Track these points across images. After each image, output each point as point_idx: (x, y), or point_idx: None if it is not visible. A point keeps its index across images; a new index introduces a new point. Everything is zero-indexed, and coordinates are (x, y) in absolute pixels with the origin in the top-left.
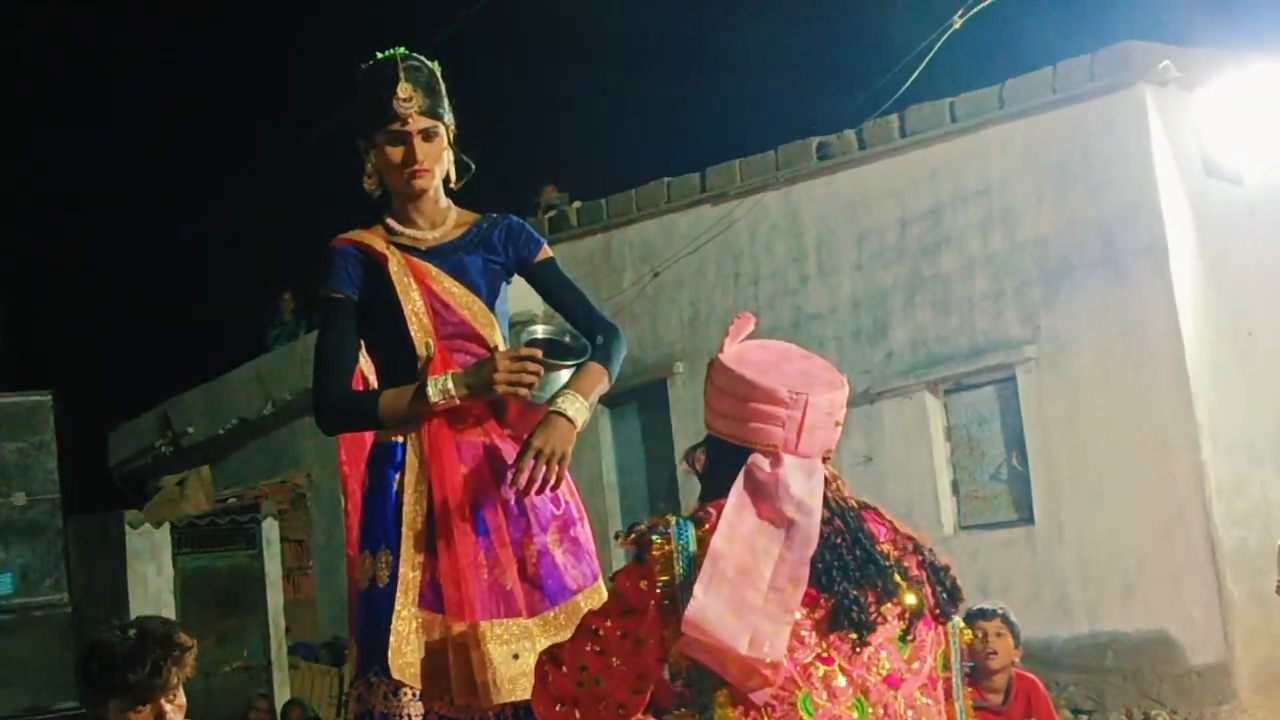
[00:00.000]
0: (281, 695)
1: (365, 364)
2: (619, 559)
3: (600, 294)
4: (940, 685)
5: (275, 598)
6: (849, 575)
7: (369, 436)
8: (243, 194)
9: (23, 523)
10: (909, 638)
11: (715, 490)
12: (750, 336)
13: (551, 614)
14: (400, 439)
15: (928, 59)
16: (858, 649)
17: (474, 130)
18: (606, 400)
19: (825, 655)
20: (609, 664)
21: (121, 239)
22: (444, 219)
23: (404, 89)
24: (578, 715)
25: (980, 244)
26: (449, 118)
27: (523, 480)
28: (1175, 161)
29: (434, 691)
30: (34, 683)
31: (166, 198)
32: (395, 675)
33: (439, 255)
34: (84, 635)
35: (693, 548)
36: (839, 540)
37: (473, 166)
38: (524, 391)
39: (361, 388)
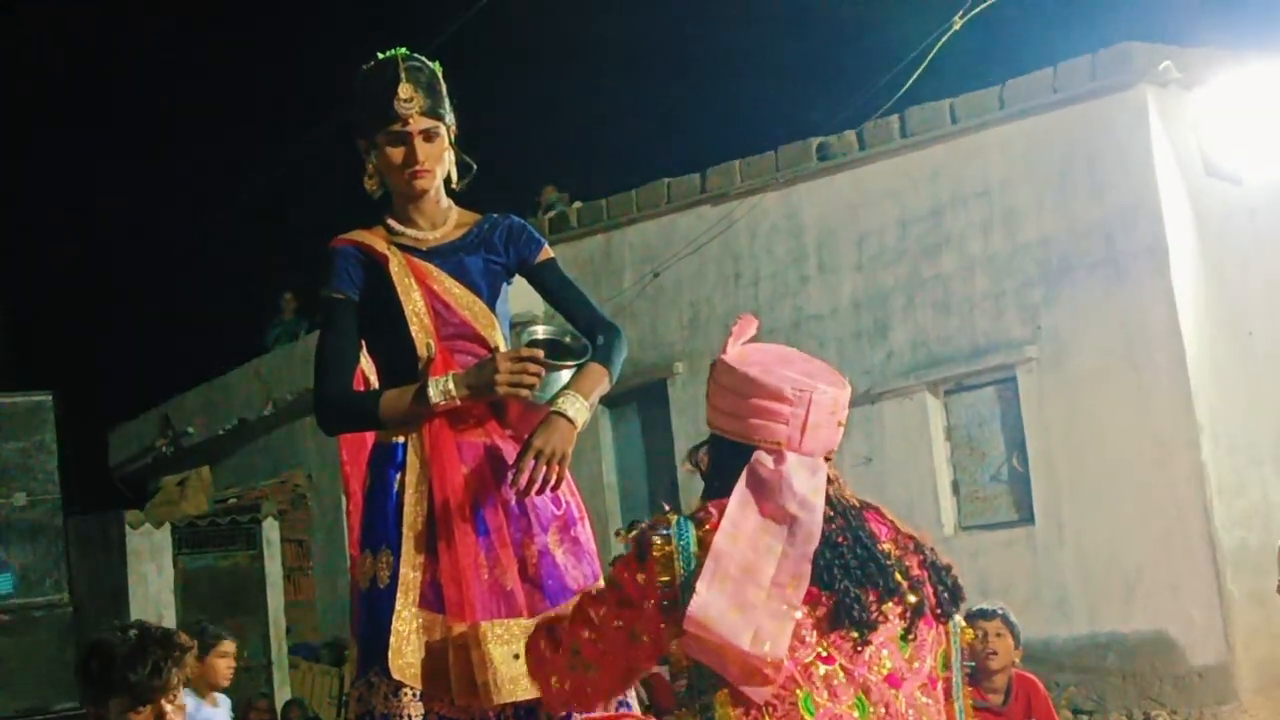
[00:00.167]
0: (282, 695)
1: (366, 364)
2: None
3: (600, 294)
4: (940, 685)
5: (275, 598)
6: (850, 574)
7: (370, 437)
8: (243, 194)
9: (23, 523)
10: (910, 637)
11: (719, 488)
12: (750, 338)
13: (552, 614)
14: (401, 439)
15: (928, 60)
16: (859, 648)
17: (474, 131)
18: (607, 400)
19: (826, 654)
20: (601, 653)
21: (122, 239)
22: (445, 219)
23: (405, 89)
24: (567, 687)
25: (981, 244)
26: (450, 118)
27: (523, 480)
28: (1176, 162)
29: (434, 692)
30: (34, 682)
31: (167, 198)
32: (395, 675)
33: (440, 256)
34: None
35: (694, 548)
36: (840, 538)
37: (474, 167)
38: (525, 392)
39: (362, 388)
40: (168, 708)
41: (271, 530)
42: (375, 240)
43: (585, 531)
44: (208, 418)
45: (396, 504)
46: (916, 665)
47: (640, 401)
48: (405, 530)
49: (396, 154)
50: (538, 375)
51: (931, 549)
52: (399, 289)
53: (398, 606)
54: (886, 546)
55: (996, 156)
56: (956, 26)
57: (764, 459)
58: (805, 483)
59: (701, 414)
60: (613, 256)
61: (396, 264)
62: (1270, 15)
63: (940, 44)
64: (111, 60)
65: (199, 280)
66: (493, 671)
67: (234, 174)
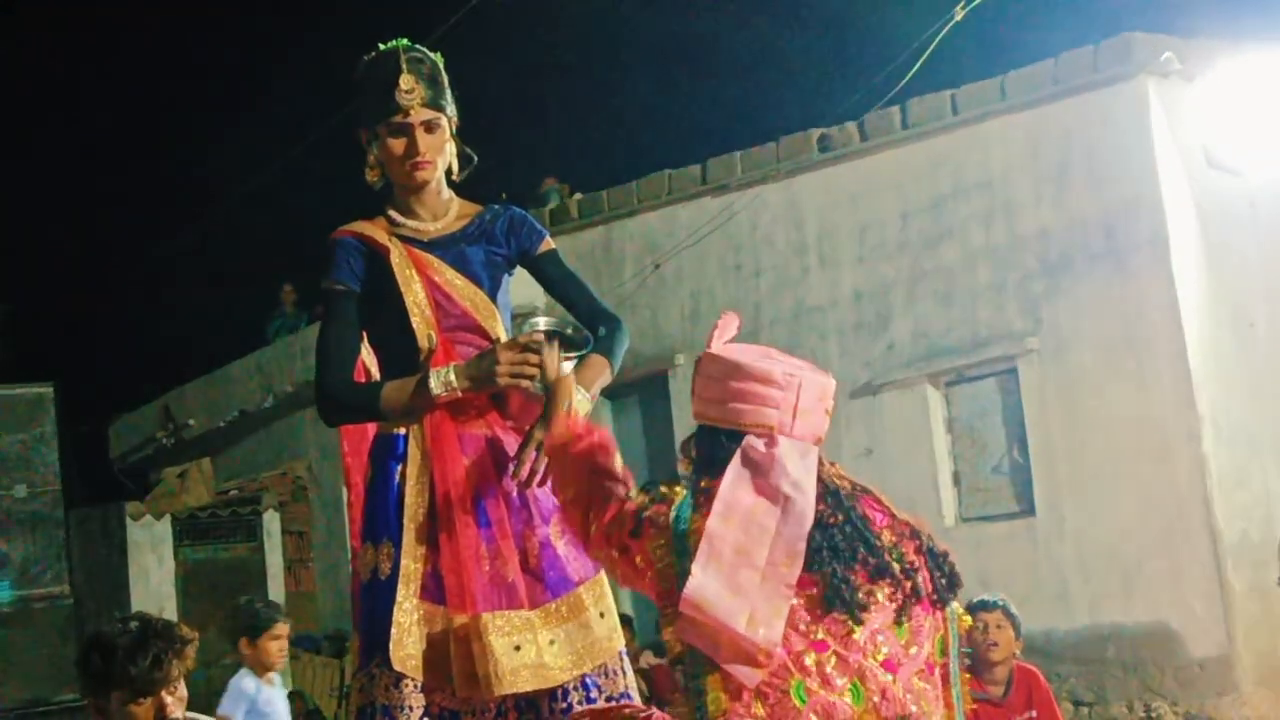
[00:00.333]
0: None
1: (368, 356)
2: None
3: (601, 286)
4: (938, 670)
5: (276, 590)
6: (839, 555)
7: (371, 429)
8: (244, 186)
9: (24, 515)
10: (903, 620)
11: (710, 475)
12: (751, 327)
13: (553, 605)
14: (402, 431)
15: (929, 51)
16: (851, 632)
17: (475, 122)
18: (607, 392)
19: (819, 641)
20: (612, 567)
21: (122, 231)
22: (446, 211)
23: (406, 81)
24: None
25: (982, 236)
26: (451, 109)
27: (524, 472)
28: (1177, 153)
29: (435, 683)
30: (35, 675)
31: (168, 190)
32: (397, 667)
33: (441, 247)
34: (85, 627)
35: (686, 531)
36: (831, 519)
37: (475, 158)
38: (526, 383)
39: (364, 380)
40: (168, 699)
41: (272, 522)
42: (376, 232)
43: None
44: (208, 410)
45: (398, 496)
46: (914, 651)
47: (641, 393)
48: (406, 522)
49: (398, 145)
50: (539, 366)
51: (928, 535)
52: (400, 280)
53: (399, 598)
54: (883, 533)
55: (998, 148)
56: (958, 17)
57: (756, 443)
58: (797, 465)
59: None
60: (613, 248)
61: (398, 255)
62: (1272, 6)
63: (941, 35)
64: (111, 55)
65: (199, 272)
66: (494, 663)
67: (235, 167)
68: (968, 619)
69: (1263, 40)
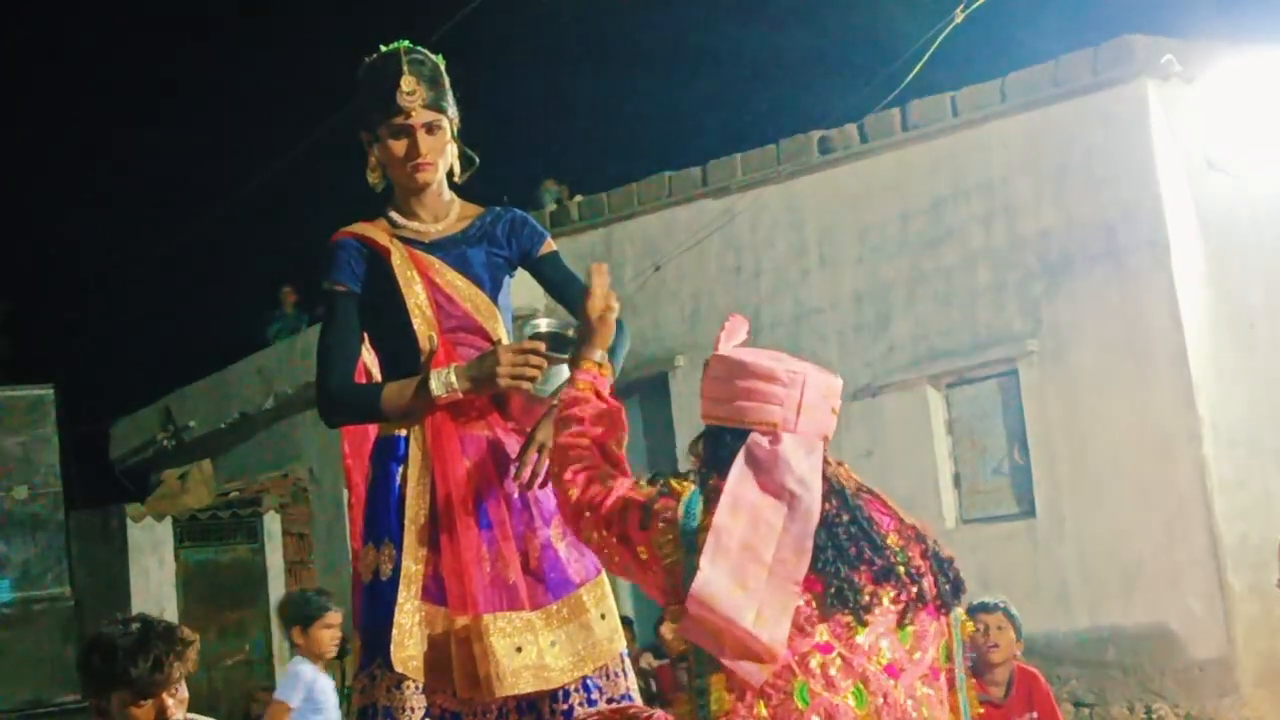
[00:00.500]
0: None
1: (369, 357)
2: None
3: None
4: (943, 676)
5: (277, 591)
6: (844, 555)
7: (372, 430)
8: (244, 188)
9: (24, 516)
10: (907, 623)
11: (718, 476)
12: (751, 329)
13: (554, 607)
14: (403, 432)
15: (930, 52)
16: (855, 634)
17: (475, 124)
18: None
19: (824, 643)
20: (610, 558)
21: (123, 233)
22: (447, 212)
23: (408, 82)
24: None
25: (982, 238)
26: (452, 111)
27: (526, 474)
28: (1177, 155)
29: (437, 684)
30: (36, 676)
31: (168, 191)
32: (398, 668)
33: (442, 248)
34: (85, 629)
35: (696, 527)
36: (835, 519)
37: (476, 160)
38: (527, 385)
39: (365, 381)
40: (169, 701)
41: (273, 524)
42: (377, 233)
43: None
44: (209, 411)
45: (399, 497)
46: (917, 656)
47: (641, 395)
48: (408, 523)
49: (399, 147)
50: (540, 368)
51: (935, 540)
52: (401, 282)
53: (400, 599)
54: (890, 536)
55: (998, 150)
56: (958, 19)
57: (760, 440)
58: (802, 461)
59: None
60: (613, 250)
61: (398, 257)
62: (1272, 8)
63: (942, 37)
64: (111, 52)
65: (199, 274)
66: (495, 664)
67: (236, 167)
68: (971, 625)
69: (1263, 42)
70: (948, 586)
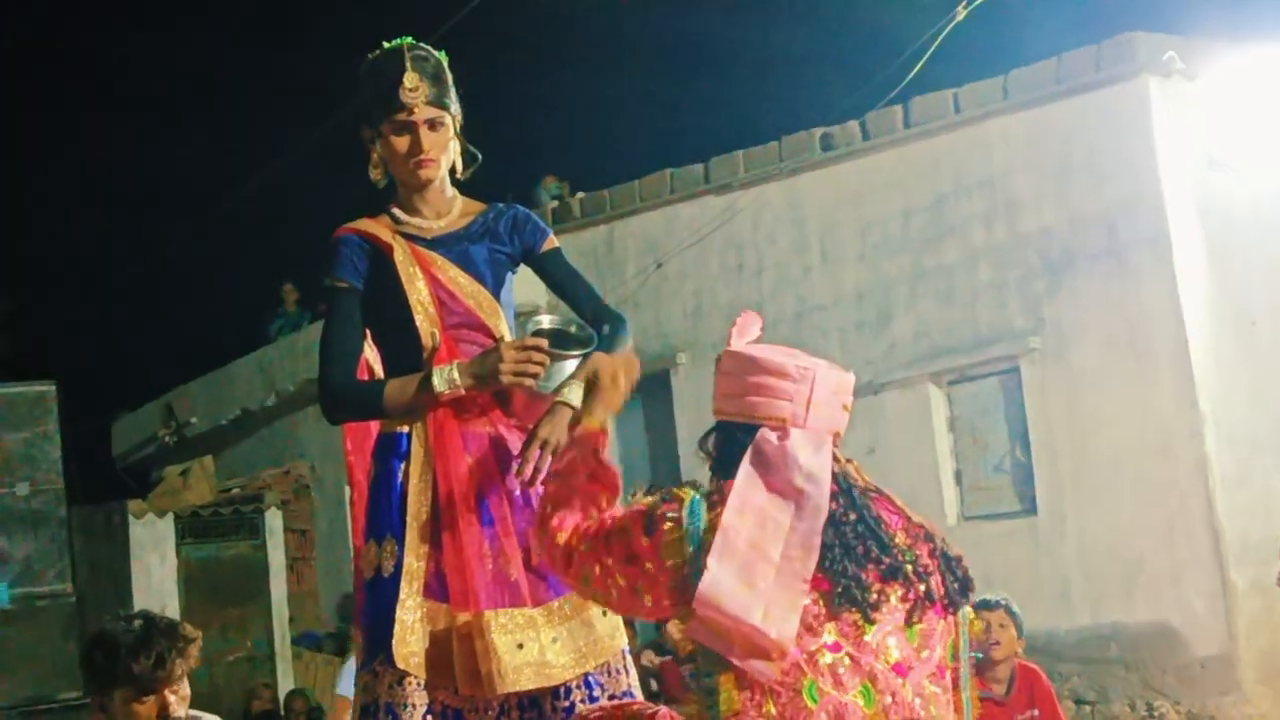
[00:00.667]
0: (285, 685)
1: (371, 353)
2: None
3: (603, 285)
4: (950, 674)
5: (279, 588)
6: (851, 553)
7: (375, 426)
8: (246, 185)
9: (26, 513)
10: (914, 622)
11: (728, 472)
12: (756, 338)
13: (556, 604)
14: (406, 429)
15: (932, 50)
16: (863, 633)
17: (478, 121)
18: None
19: (833, 642)
20: (606, 590)
21: (125, 230)
22: (450, 209)
23: (410, 78)
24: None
25: (984, 235)
26: (455, 108)
27: (528, 471)
28: (1179, 152)
29: (438, 681)
30: (38, 672)
31: (170, 188)
32: (400, 665)
33: (444, 245)
34: (87, 625)
35: (702, 530)
36: (843, 517)
37: (479, 157)
38: (529, 381)
39: (367, 377)
40: (171, 698)
41: (274, 520)
42: (380, 229)
43: None
44: (211, 408)
45: (401, 493)
46: (925, 655)
47: (643, 392)
48: (410, 520)
49: (401, 143)
50: (542, 364)
51: (942, 539)
52: (403, 278)
53: (402, 596)
54: (897, 535)
55: (1000, 147)
56: (960, 16)
57: (768, 435)
58: (810, 458)
59: (705, 404)
60: (615, 247)
61: (401, 253)
62: (1273, 5)
63: (944, 34)
64: (113, 52)
65: (201, 271)
66: (496, 661)
67: (237, 164)
68: (979, 623)
69: (1265, 39)
70: (956, 585)
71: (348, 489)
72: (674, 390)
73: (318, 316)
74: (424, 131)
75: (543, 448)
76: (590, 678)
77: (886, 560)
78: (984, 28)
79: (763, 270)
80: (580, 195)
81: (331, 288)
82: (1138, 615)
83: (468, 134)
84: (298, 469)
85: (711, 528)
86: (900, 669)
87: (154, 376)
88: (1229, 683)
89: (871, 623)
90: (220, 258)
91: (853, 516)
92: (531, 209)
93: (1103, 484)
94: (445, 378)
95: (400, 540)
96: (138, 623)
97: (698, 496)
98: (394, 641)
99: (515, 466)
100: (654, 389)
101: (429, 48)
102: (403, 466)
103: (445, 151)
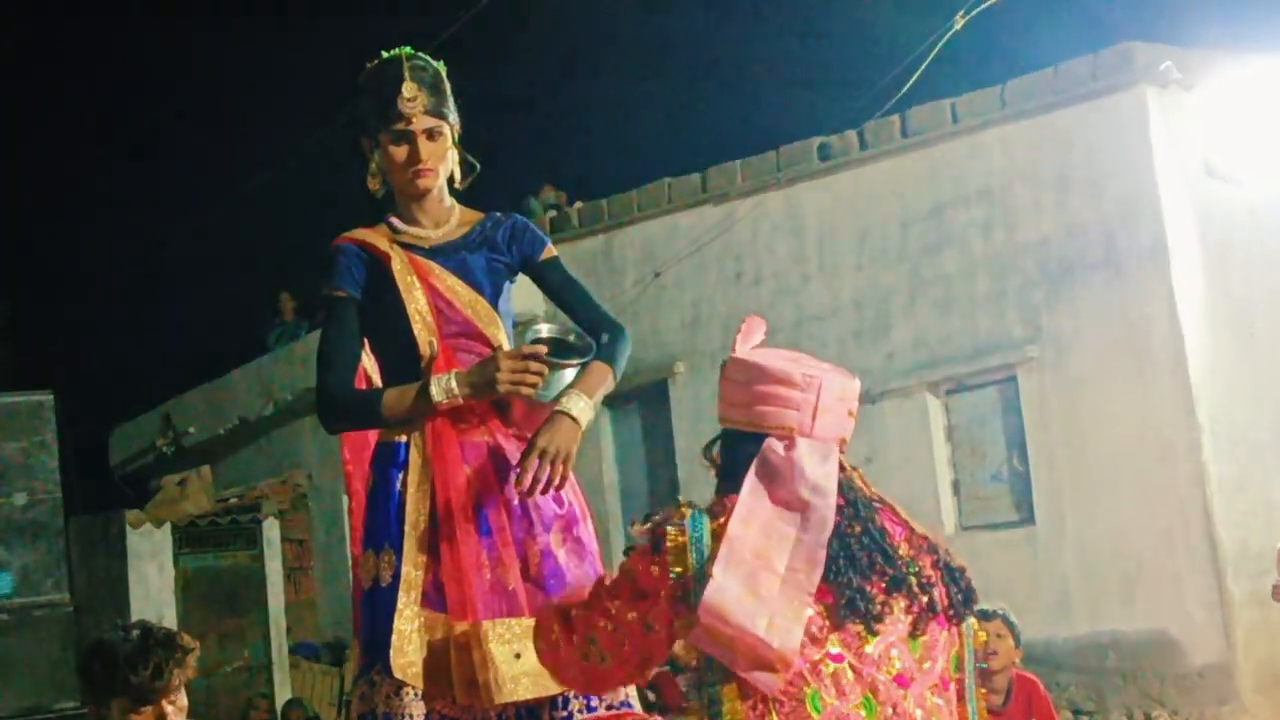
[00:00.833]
0: (282, 695)
1: (369, 363)
2: (621, 557)
3: (601, 294)
4: (953, 686)
5: (276, 598)
6: (855, 564)
7: (373, 436)
8: (244, 194)
9: (24, 522)
10: (918, 634)
11: (733, 481)
12: (760, 343)
13: (562, 600)
14: (404, 438)
15: (929, 59)
16: (865, 644)
17: (475, 130)
18: (607, 400)
19: (835, 653)
20: (619, 644)
21: (123, 239)
22: (448, 218)
23: (409, 88)
24: (579, 675)
25: (982, 244)
26: (454, 117)
27: (527, 480)
28: (1177, 162)
29: (436, 691)
30: (35, 682)
31: (168, 197)
32: (397, 675)
33: (442, 254)
34: (85, 635)
35: (707, 540)
36: (849, 529)
37: (477, 166)
38: (527, 391)
39: (365, 387)
40: (169, 709)
41: (272, 530)
42: (378, 239)
43: (588, 531)
44: (208, 417)
45: (399, 503)
46: (927, 666)
47: (641, 401)
48: (408, 529)
49: (400, 153)
50: (540, 374)
51: (945, 550)
52: (401, 287)
53: (400, 605)
54: (901, 546)
55: (997, 156)
56: (958, 26)
57: (775, 445)
58: (817, 468)
59: (702, 413)
60: (614, 256)
61: (399, 262)
62: (1271, 15)
63: (941, 43)
64: (110, 57)
65: (199, 280)
66: (494, 671)
67: (234, 173)
68: (983, 634)
69: (1262, 49)
70: (959, 596)
71: (345, 499)
72: (672, 399)
73: (315, 325)
74: (422, 141)
75: (541, 457)
76: None
77: (891, 572)
78: (982, 38)
79: (761, 279)
80: (578, 205)
81: (329, 297)
82: (1136, 624)
83: (465, 143)
84: (295, 479)
85: (715, 537)
86: (902, 680)
87: (152, 386)
88: (1227, 692)
89: (874, 634)
90: (218, 267)
91: (858, 529)
92: (546, 213)
93: (1101, 493)
94: (443, 387)
95: (398, 550)
96: (135, 633)
97: (699, 510)
98: (391, 651)
99: (513, 476)
100: (652, 398)
101: (427, 57)
102: (401, 476)
103: (443, 161)
